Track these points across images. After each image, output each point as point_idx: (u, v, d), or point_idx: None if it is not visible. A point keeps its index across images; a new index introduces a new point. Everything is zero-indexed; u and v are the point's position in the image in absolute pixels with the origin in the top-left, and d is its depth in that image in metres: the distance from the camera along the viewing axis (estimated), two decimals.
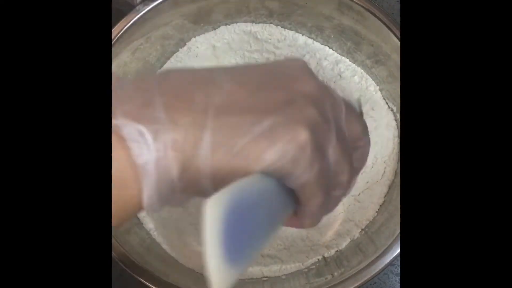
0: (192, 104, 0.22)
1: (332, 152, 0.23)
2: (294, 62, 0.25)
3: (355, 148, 0.26)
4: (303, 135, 0.21)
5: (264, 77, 0.24)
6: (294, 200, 0.23)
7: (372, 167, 0.46)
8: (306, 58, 0.49)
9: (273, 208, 0.22)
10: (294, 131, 0.21)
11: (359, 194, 0.45)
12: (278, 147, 0.21)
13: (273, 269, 0.44)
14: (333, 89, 0.25)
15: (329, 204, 0.25)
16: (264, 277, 0.44)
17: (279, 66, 0.25)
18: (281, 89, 0.23)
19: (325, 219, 0.45)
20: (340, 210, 0.45)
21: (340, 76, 0.49)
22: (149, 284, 0.38)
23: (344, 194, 0.26)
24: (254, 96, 0.22)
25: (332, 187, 0.24)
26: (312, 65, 0.49)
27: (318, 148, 0.22)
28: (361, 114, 0.28)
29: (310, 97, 0.23)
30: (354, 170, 0.26)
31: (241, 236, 0.19)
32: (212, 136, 0.21)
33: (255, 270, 0.44)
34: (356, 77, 0.48)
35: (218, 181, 0.21)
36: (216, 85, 0.23)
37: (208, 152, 0.21)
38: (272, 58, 0.50)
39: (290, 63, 0.25)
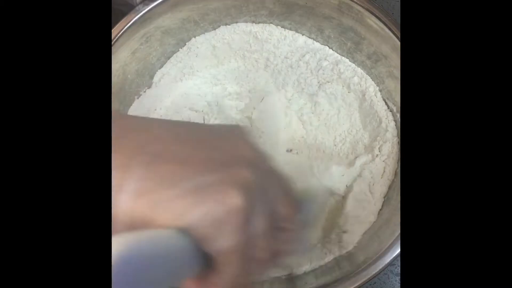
0: (122, 147, 0.21)
1: (262, 223, 0.21)
2: (235, 129, 0.25)
3: (279, 229, 0.24)
4: (235, 199, 0.20)
5: (204, 135, 0.23)
6: (204, 263, 0.21)
7: (373, 167, 0.46)
8: (306, 58, 0.49)
9: (175, 269, 0.20)
10: (226, 193, 0.20)
11: (359, 194, 0.45)
12: (204, 207, 0.20)
13: (270, 273, 0.44)
14: (269, 163, 0.24)
15: (246, 277, 0.22)
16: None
17: (220, 129, 0.25)
18: (219, 150, 0.22)
19: (325, 219, 0.45)
20: (340, 211, 0.45)
21: (340, 76, 0.49)
22: None
23: (264, 270, 0.23)
24: (190, 151, 0.21)
25: (253, 260, 0.22)
26: (312, 65, 0.49)
27: (249, 216, 0.20)
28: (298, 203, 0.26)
29: (247, 163, 0.22)
30: (278, 251, 0.24)
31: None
32: (137, 181, 0.20)
33: None
34: (356, 77, 0.48)
35: (135, 229, 0.20)
36: (153, 132, 0.22)
37: (130, 197, 0.20)
38: (272, 58, 0.50)
39: (231, 128, 0.25)
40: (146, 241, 0.19)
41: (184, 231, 0.20)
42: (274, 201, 0.23)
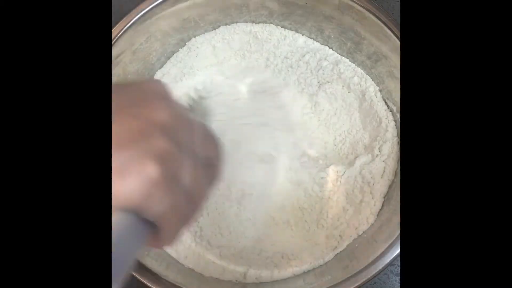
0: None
1: (187, 176, 0.24)
2: (152, 85, 0.26)
3: (209, 165, 0.28)
4: (153, 169, 0.22)
5: (120, 100, 0.24)
6: (150, 226, 0.24)
7: (373, 167, 0.46)
8: (306, 58, 0.49)
9: (131, 245, 0.23)
10: (144, 165, 0.22)
11: (359, 194, 0.45)
12: (129, 184, 0.22)
13: (270, 273, 0.44)
14: (187, 112, 0.26)
15: (184, 222, 0.26)
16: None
17: (134, 88, 0.26)
18: (136, 117, 0.23)
19: (324, 219, 0.45)
20: (340, 211, 0.45)
21: (340, 76, 0.49)
22: (149, 284, 0.38)
23: (196, 209, 0.27)
24: (114, 126, 0.23)
25: (188, 206, 0.25)
26: (312, 65, 0.49)
27: (170, 178, 0.23)
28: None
29: (163, 126, 0.24)
30: (207, 184, 0.28)
31: None
32: None
33: (252, 273, 0.44)
34: (356, 77, 0.48)
35: None
36: None
37: None
38: (272, 58, 0.50)
39: (148, 86, 0.26)
40: None
41: (122, 208, 0.22)
42: (202, 144, 0.26)
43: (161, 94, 0.26)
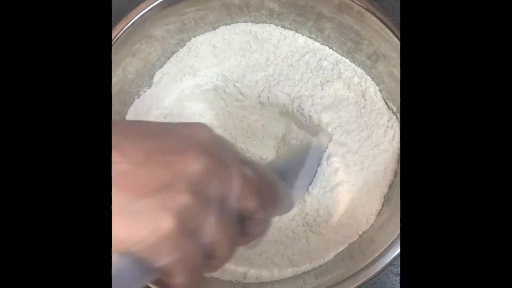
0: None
1: (208, 232, 0.24)
2: (192, 130, 0.26)
3: (251, 220, 0.26)
4: (166, 223, 0.22)
5: (154, 145, 0.24)
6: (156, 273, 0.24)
7: (372, 167, 0.46)
8: (306, 58, 0.49)
9: (128, 284, 0.23)
10: (159, 217, 0.22)
11: (359, 194, 0.45)
12: (139, 232, 0.22)
13: (271, 273, 0.44)
14: (228, 160, 0.25)
15: (199, 273, 0.26)
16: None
17: (174, 133, 0.26)
18: (164, 166, 0.23)
19: (325, 219, 0.45)
20: (340, 211, 0.45)
21: (340, 76, 0.49)
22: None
23: (219, 263, 0.26)
24: (135, 171, 0.23)
25: (207, 259, 0.25)
26: (312, 65, 0.49)
27: (186, 233, 0.23)
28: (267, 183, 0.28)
29: (190, 179, 0.23)
30: (244, 240, 0.27)
31: None
32: None
33: (251, 273, 0.44)
34: (356, 77, 0.48)
35: None
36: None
37: None
38: (272, 58, 0.50)
39: (188, 130, 0.26)
40: None
41: (127, 254, 0.22)
42: (241, 198, 0.25)
43: (201, 144, 0.25)
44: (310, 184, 0.44)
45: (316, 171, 0.44)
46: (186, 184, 0.23)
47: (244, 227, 0.26)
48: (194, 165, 0.24)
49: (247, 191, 0.25)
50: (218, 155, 0.25)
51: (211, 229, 0.24)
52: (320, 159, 0.45)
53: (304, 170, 0.42)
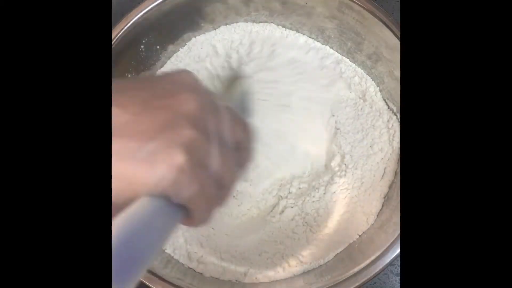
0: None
1: (215, 162, 0.26)
2: (178, 76, 0.28)
3: (239, 149, 0.29)
4: (180, 158, 0.24)
5: (148, 94, 0.26)
6: (182, 209, 0.25)
7: (372, 167, 0.46)
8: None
9: (163, 225, 0.24)
10: (171, 155, 0.24)
11: (359, 194, 0.45)
12: (157, 172, 0.23)
13: (271, 273, 0.44)
14: (215, 99, 0.28)
15: (215, 204, 0.27)
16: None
17: (164, 81, 0.28)
18: (163, 109, 0.25)
19: (325, 219, 0.45)
20: (340, 211, 0.45)
21: (341, 76, 0.49)
22: (149, 284, 0.38)
23: (228, 192, 0.28)
24: (137, 119, 0.24)
25: (218, 189, 0.27)
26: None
27: (198, 164, 0.24)
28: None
29: (190, 117, 0.25)
30: (238, 168, 0.29)
31: (130, 260, 0.21)
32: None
33: (251, 273, 0.44)
34: (356, 77, 0.49)
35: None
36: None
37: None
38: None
39: (174, 77, 0.28)
40: (130, 218, 0.22)
41: (153, 195, 0.24)
42: (231, 129, 0.28)
43: (190, 85, 0.27)
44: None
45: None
46: (186, 121, 0.25)
47: (238, 156, 0.29)
48: (189, 104, 0.25)
49: (236, 123, 0.28)
50: (206, 95, 0.27)
51: (217, 158, 0.26)
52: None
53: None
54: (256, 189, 0.46)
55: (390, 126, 0.47)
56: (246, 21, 0.50)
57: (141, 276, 0.23)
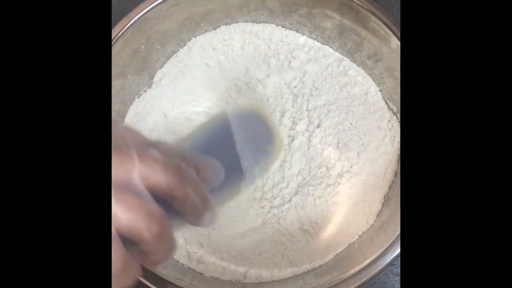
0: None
1: (123, 217, 0.24)
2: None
3: (173, 198, 0.28)
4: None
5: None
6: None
7: (372, 167, 0.46)
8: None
9: None
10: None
11: (359, 194, 0.45)
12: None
13: (271, 273, 0.44)
14: (124, 149, 0.26)
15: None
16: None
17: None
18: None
19: (325, 219, 0.45)
20: (340, 211, 0.45)
21: (345, 75, 0.49)
22: (149, 284, 0.38)
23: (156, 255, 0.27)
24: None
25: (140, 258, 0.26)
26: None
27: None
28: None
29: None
30: (182, 221, 0.29)
31: None
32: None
33: (252, 273, 0.44)
34: (358, 77, 0.49)
35: None
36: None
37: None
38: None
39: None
40: None
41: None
42: (142, 179, 0.26)
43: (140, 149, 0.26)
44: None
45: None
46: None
47: (172, 206, 0.27)
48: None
49: (149, 169, 0.26)
50: (115, 144, 0.25)
51: (123, 214, 0.23)
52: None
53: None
54: (257, 189, 0.46)
55: (390, 126, 0.47)
56: (246, 21, 0.50)
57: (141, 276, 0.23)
